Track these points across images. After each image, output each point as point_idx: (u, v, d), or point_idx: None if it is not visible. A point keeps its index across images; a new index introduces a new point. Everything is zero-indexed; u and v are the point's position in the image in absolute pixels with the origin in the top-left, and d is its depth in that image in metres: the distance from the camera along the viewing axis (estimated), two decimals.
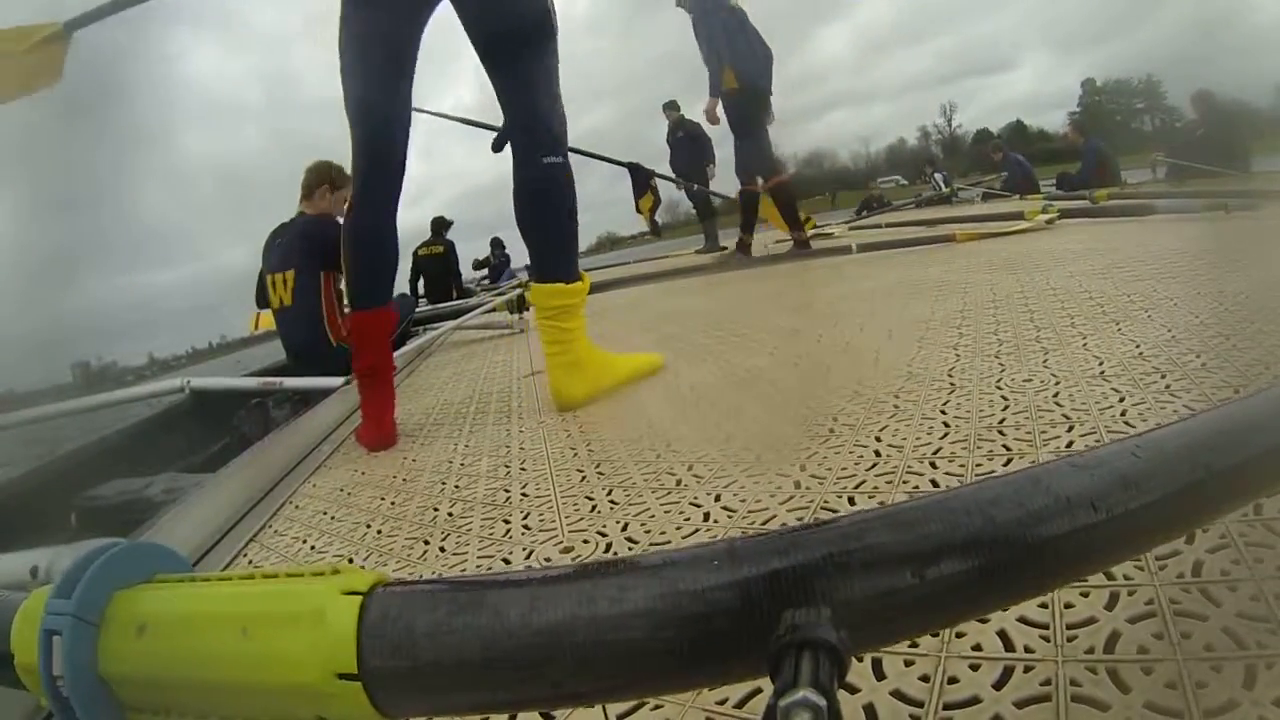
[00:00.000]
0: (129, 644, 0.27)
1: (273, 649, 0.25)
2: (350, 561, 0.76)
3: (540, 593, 0.25)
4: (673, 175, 5.52)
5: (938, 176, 8.40)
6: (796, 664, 0.21)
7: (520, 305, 3.04)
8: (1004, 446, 0.67)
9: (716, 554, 0.24)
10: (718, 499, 0.68)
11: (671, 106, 6.27)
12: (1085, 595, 0.41)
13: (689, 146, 6.04)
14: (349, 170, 2.25)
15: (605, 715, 0.42)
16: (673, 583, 0.24)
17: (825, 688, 0.20)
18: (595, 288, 3.67)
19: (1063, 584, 0.39)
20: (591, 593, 0.24)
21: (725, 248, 6.23)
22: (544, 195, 1.22)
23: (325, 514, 0.99)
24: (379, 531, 0.85)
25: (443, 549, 0.74)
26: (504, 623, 0.24)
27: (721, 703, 0.40)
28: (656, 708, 0.41)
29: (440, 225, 6.57)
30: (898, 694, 0.37)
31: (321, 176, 2.50)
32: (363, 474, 1.16)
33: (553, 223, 1.23)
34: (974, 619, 0.40)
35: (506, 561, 0.66)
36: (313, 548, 0.83)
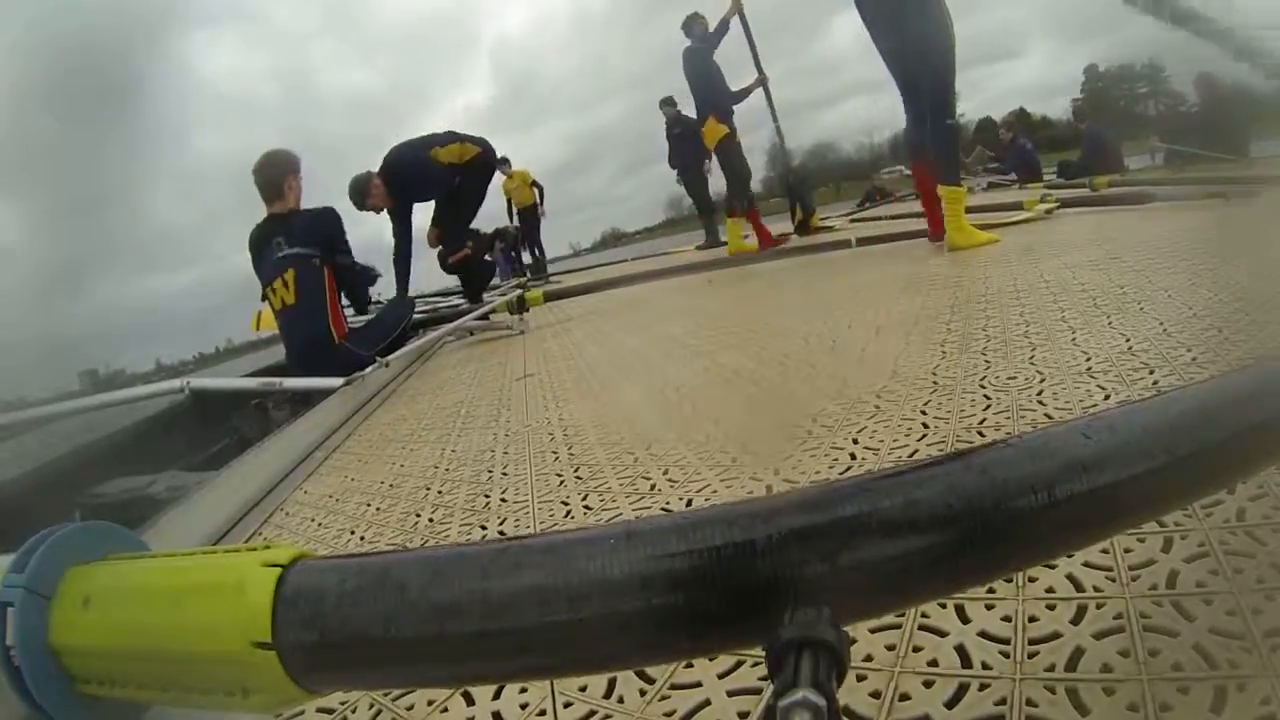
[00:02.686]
0: (76, 616, 0.27)
1: (199, 619, 0.26)
2: None
3: (442, 568, 0.24)
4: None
5: None
6: (796, 664, 0.20)
7: (520, 306, 2.99)
8: None
9: (612, 534, 0.24)
10: (689, 504, 0.67)
11: (668, 103, 6.11)
12: (1051, 608, 0.40)
13: (686, 142, 5.97)
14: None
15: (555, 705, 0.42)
16: (566, 561, 0.23)
17: (825, 688, 0.20)
18: (592, 288, 3.67)
19: (1019, 568, 0.39)
20: (488, 569, 0.24)
21: (725, 242, 6.18)
22: (935, 144, 2.34)
23: (313, 521, 0.99)
24: (362, 539, 0.85)
25: None
26: (405, 597, 0.24)
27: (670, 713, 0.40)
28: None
29: None
30: (848, 711, 0.36)
31: (284, 165, 2.26)
32: (353, 480, 1.15)
33: (935, 155, 2.37)
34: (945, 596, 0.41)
35: None
36: None
